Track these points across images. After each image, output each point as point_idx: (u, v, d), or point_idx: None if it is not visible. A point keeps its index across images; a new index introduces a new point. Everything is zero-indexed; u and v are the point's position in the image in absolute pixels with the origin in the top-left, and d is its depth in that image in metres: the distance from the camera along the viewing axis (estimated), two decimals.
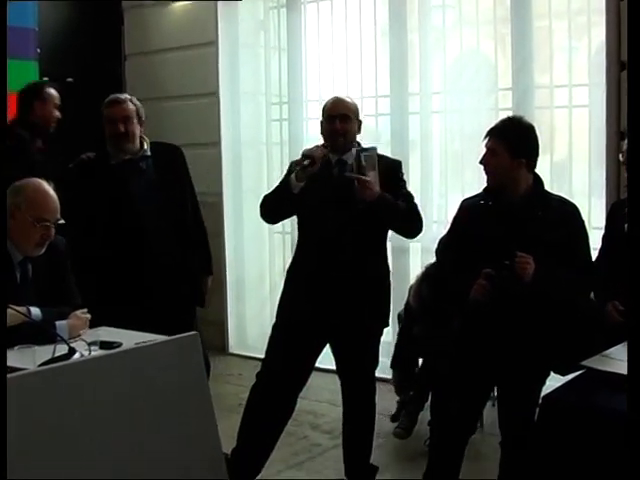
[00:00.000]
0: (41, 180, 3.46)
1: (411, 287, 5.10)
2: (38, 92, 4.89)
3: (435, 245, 4.64)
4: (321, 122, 3.96)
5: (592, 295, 3.73)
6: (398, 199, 3.78)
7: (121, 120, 4.15)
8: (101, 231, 4.16)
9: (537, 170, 3.54)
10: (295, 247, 4.03)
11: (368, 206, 3.68)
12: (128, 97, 4.27)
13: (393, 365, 5.07)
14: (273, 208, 3.91)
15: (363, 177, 3.64)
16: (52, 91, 4.92)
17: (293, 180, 3.72)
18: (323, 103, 4.01)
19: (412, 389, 5.05)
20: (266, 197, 3.93)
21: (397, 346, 5.12)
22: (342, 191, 3.75)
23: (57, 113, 4.95)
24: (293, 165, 3.96)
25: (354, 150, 3.72)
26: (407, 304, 5.08)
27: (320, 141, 3.93)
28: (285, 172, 3.99)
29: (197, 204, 4.49)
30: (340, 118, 3.83)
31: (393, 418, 4.91)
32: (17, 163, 4.15)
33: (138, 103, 4.28)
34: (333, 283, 3.77)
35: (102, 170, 4.20)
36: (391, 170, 3.86)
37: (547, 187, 3.62)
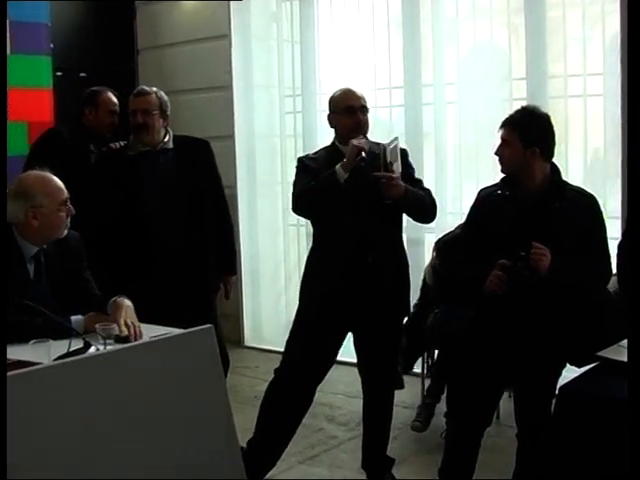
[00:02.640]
0: (33, 170, 3.45)
1: (427, 267, 5.15)
2: (91, 97, 4.85)
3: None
4: (329, 115, 3.94)
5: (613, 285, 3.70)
6: (414, 185, 3.80)
7: (140, 112, 4.16)
8: (114, 222, 4.17)
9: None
10: (313, 238, 4.01)
11: (395, 202, 3.70)
12: (154, 90, 4.26)
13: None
14: (319, 200, 3.76)
15: (389, 175, 3.64)
16: (107, 97, 4.85)
17: (340, 171, 3.65)
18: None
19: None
20: (307, 190, 3.77)
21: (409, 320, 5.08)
22: (361, 182, 3.74)
23: (112, 119, 4.90)
24: (302, 160, 3.94)
25: (382, 145, 3.69)
26: (424, 283, 5.16)
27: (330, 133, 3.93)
28: (296, 167, 3.96)
29: (224, 203, 4.48)
30: (361, 110, 3.83)
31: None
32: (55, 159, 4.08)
33: (164, 96, 4.28)
34: (356, 273, 3.76)
35: (119, 161, 4.21)
36: (401, 158, 3.85)
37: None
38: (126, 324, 3.21)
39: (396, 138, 3.81)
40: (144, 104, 4.19)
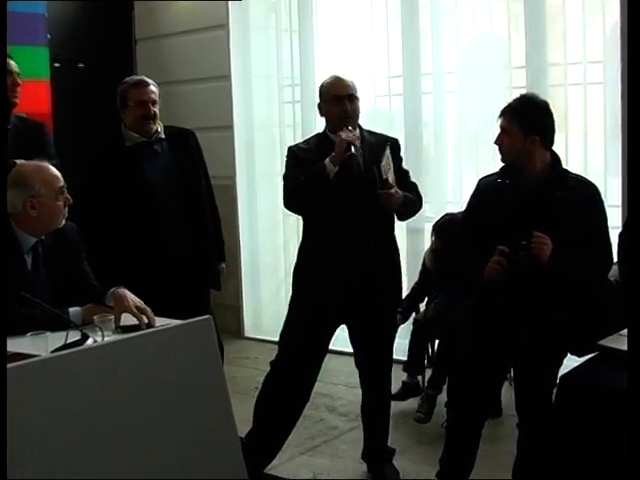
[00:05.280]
0: (25, 162, 3.43)
1: (427, 251, 5.16)
2: None
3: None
4: (319, 104, 3.93)
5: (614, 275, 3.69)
6: (401, 179, 3.82)
7: (151, 102, 4.13)
8: (116, 214, 4.13)
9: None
10: (303, 229, 4.00)
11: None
12: (150, 80, 4.24)
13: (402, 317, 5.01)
14: (310, 196, 3.74)
15: (388, 192, 3.65)
16: None
17: (329, 165, 3.63)
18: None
19: (421, 372, 5.05)
20: (296, 186, 3.76)
21: (407, 298, 5.09)
22: (351, 172, 3.73)
23: (12, 80, 4.24)
24: (292, 149, 3.91)
25: (375, 165, 3.69)
26: (423, 267, 5.19)
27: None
28: (286, 157, 3.93)
29: (212, 191, 4.46)
30: (348, 99, 3.80)
31: (395, 397, 4.87)
32: None
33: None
34: (349, 263, 3.75)
35: (117, 153, 4.18)
36: (392, 150, 3.83)
37: None
38: (140, 310, 3.21)
39: (386, 146, 3.78)
40: (152, 94, 4.16)
